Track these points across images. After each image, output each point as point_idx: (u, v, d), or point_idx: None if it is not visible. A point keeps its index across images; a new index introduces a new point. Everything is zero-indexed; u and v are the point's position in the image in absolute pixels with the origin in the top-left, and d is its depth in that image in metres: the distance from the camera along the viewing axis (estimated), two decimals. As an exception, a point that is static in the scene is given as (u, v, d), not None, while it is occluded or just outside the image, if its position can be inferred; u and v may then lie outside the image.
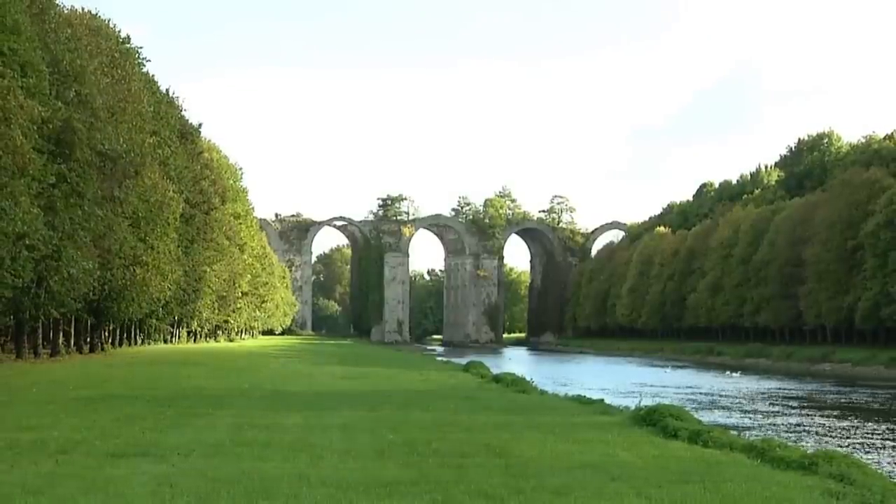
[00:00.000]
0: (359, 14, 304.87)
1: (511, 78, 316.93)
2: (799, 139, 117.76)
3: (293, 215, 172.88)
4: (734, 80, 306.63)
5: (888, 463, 21.63)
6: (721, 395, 43.94)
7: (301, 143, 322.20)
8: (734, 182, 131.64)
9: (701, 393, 45.54)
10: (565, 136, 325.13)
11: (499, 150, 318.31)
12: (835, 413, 35.37)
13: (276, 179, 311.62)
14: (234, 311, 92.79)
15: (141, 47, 59.78)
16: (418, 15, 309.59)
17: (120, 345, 63.51)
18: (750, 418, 32.88)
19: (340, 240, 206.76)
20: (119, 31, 55.61)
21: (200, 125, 78.88)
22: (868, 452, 23.30)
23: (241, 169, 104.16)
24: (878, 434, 28.24)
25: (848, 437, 27.01)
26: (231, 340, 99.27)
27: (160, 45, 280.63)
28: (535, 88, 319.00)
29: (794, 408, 37.90)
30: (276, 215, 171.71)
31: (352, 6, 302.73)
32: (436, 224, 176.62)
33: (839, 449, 19.23)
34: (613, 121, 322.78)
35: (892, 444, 25.83)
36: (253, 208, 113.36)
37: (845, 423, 31.27)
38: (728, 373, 66.50)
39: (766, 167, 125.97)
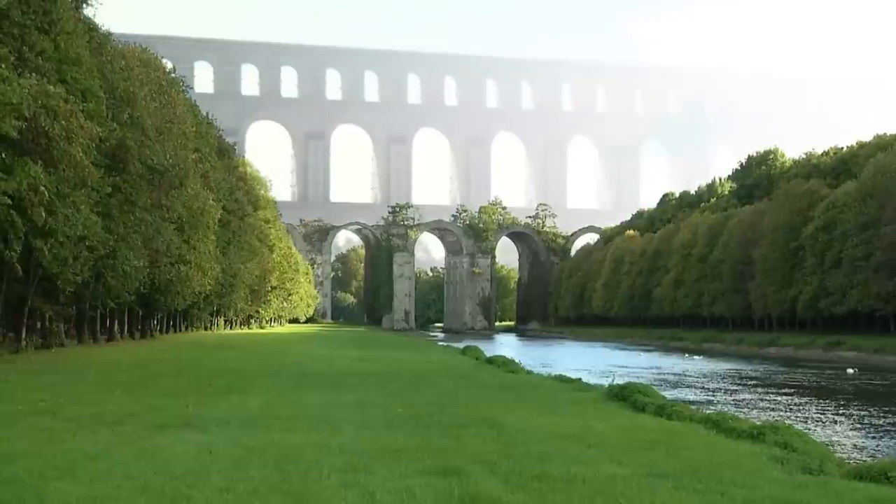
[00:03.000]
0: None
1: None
2: (749, 156, 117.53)
3: (315, 220, 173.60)
4: (696, 104, 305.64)
5: (831, 433, 21.61)
6: (683, 375, 43.81)
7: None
8: (693, 192, 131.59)
9: (666, 373, 45.42)
10: (551, 150, 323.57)
11: (492, 163, 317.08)
12: (781, 391, 35.29)
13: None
14: (264, 303, 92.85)
15: (184, 76, 59.71)
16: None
17: (167, 331, 63.52)
18: (708, 395, 32.81)
19: (356, 241, 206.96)
20: (165, 63, 55.60)
21: (235, 143, 78.98)
22: (810, 424, 23.28)
23: (270, 181, 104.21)
24: (826, 409, 28.18)
25: (792, 411, 26.97)
26: (262, 328, 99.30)
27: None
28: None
29: (745, 386, 37.82)
30: (301, 220, 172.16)
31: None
32: (438, 228, 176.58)
33: (784, 421, 19.20)
34: (591, 139, 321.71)
35: (832, 417, 25.81)
36: (280, 214, 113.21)
37: (791, 400, 31.22)
38: (688, 356, 66.41)
39: (720, 179, 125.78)
